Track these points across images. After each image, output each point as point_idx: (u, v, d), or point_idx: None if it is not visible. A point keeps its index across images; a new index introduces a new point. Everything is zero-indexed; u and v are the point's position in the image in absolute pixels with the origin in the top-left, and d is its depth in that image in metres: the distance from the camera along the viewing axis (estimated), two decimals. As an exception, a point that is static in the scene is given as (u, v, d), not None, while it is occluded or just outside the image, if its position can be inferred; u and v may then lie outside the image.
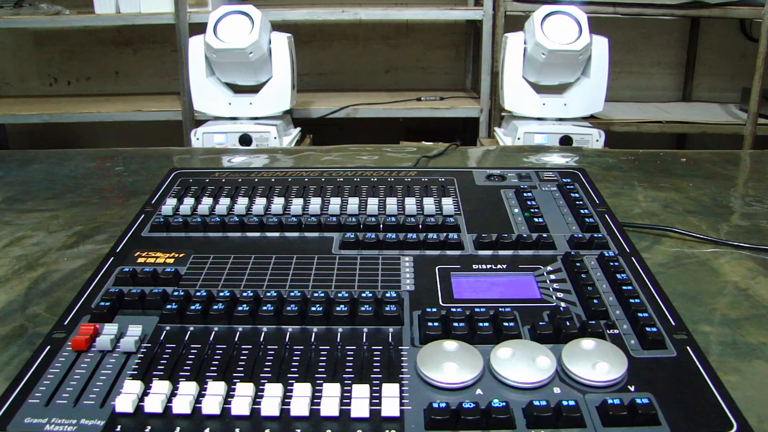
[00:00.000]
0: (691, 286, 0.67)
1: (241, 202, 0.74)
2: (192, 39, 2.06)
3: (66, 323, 0.53)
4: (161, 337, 0.51)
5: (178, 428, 0.42)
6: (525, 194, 0.75)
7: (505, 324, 0.51)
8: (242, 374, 0.47)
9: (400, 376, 0.47)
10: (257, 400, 0.44)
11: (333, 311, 0.53)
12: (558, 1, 2.07)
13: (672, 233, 0.79)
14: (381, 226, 0.68)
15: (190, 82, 2.09)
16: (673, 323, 0.53)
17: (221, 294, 0.55)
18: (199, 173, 0.83)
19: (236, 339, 0.51)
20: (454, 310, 0.53)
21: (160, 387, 0.45)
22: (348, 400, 0.44)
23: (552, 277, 0.59)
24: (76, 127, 2.90)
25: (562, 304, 0.55)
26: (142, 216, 0.72)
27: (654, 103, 2.83)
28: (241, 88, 2.13)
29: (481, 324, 0.51)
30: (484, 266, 0.61)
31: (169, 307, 0.53)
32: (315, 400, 0.44)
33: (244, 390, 0.44)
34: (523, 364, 0.47)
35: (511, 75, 2.08)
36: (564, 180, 0.80)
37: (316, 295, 0.55)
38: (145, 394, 0.45)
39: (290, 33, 2.12)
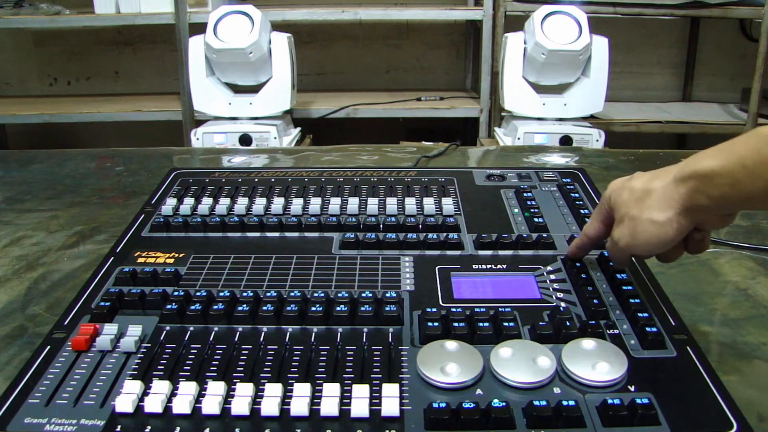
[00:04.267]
0: (691, 286, 0.67)
1: (241, 202, 0.74)
2: (192, 39, 2.06)
3: (66, 323, 0.53)
4: (161, 337, 0.51)
5: (178, 428, 0.42)
6: (525, 194, 0.75)
7: (505, 324, 0.51)
8: (242, 374, 0.47)
9: (400, 376, 0.47)
10: (257, 400, 0.44)
11: (333, 311, 0.53)
12: (558, 1, 2.07)
13: (672, 233, 0.78)
14: (381, 226, 0.68)
15: (190, 82, 2.09)
16: (673, 323, 0.53)
17: (221, 294, 0.55)
18: (199, 173, 0.83)
19: (236, 339, 0.51)
20: (454, 310, 0.53)
21: (160, 387, 0.45)
22: (348, 400, 0.44)
23: (552, 277, 0.59)
24: (76, 127, 2.89)
25: (562, 304, 0.55)
26: (142, 216, 0.72)
27: (654, 103, 2.83)
28: (242, 88, 2.13)
29: (481, 324, 0.51)
30: (484, 266, 0.61)
31: (169, 307, 0.53)
32: (315, 400, 0.44)
33: (244, 390, 0.44)
34: (523, 364, 0.46)
35: (511, 75, 2.08)
36: (564, 180, 0.80)
37: (316, 295, 0.55)
38: (145, 394, 0.45)
39: (290, 33, 2.12)
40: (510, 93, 2.09)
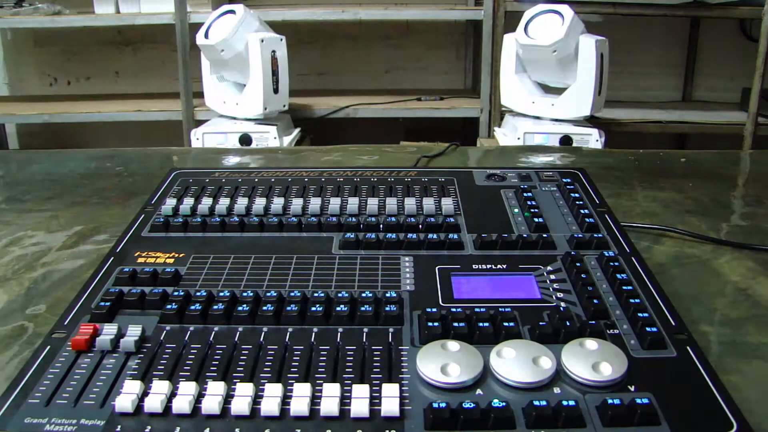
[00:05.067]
0: (691, 286, 0.67)
1: (241, 202, 0.74)
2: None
3: (66, 323, 0.53)
4: (161, 337, 0.51)
5: (178, 428, 0.42)
6: (525, 194, 0.75)
7: (505, 324, 0.51)
8: (242, 374, 0.47)
9: (400, 376, 0.47)
10: (257, 400, 0.44)
11: (333, 311, 0.53)
12: (557, 0, 2.07)
13: (672, 233, 0.79)
14: (381, 226, 0.68)
15: (202, 78, 2.11)
16: (673, 323, 0.53)
17: (221, 294, 0.55)
18: (199, 173, 0.83)
19: (236, 339, 0.51)
20: (454, 310, 0.53)
21: (160, 387, 0.45)
22: (348, 400, 0.44)
23: (552, 277, 0.59)
24: (76, 127, 2.89)
25: (562, 304, 0.55)
26: (142, 216, 0.72)
27: (654, 103, 2.83)
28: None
29: (481, 324, 0.51)
30: (484, 266, 0.61)
31: (169, 307, 0.53)
32: (315, 400, 0.44)
33: (244, 390, 0.44)
34: (523, 364, 0.47)
35: (506, 72, 2.14)
36: (564, 180, 0.80)
37: (316, 295, 0.55)
38: (145, 394, 0.45)
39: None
40: (505, 89, 2.16)
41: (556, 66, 1.99)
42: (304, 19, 2.58)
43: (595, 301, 0.54)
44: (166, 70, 2.89)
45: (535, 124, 2.07)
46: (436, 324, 0.51)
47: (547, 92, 2.13)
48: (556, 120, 2.08)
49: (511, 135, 2.11)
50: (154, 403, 0.43)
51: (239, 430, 0.42)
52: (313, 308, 0.53)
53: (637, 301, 0.54)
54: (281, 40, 2.08)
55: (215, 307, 0.53)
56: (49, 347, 0.50)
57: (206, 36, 2.00)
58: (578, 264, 0.60)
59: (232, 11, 2.02)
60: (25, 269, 0.71)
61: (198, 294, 0.55)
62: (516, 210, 0.73)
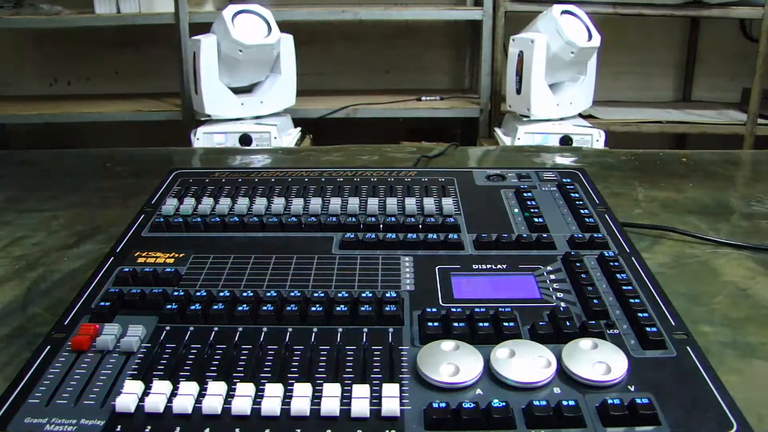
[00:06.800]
0: (691, 286, 0.67)
1: (242, 202, 0.74)
2: (204, 39, 2.01)
3: (66, 323, 0.53)
4: (161, 337, 0.51)
5: (178, 428, 0.42)
6: (525, 194, 0.75)
7: (505, 324, 0.51)
8: (242, 374, 0.47)
9: (400, 376, 0.47)
10: (257, 400, 0.44)
11: (333, 311, 0.53)
12: (559, 0, 2.07)
13: (672, 233, 0.79)
14: (381, 226, 0.68)
15: (201, 85, 2.04)
16: (673, 323, 0.53)
17: (221, 294, 0.55)
18: (199, 173, 0.83)
19: (236, 339, 0.51)
20: (454, 310, 0.53)
21: (160, 387, 0.45)
22: (348, 400, 0.44)
23: (552, 277, 0.59)
24: (76, 127, 2.89)
25: (562, 304, 0.55)
26: (142, 216, 0.72)
27: (654, 103, 2.83)
28: (238, 90, 2.12)
29: (481, 324, 0.51)
30: (484, 266, 0.61)
31: (169, 307, 0.53)
32: (315, 400, 0.44)
33: (244, 390, 0.44)
34: (523, 364, 0.47)
35: (537, 80, 2.01)
36: (564, 180, 0.80)
37: (316, 295, 0.55)
38: (145, 394, 0.45)
39: (290, 33, 2.12)
40: (536, 97, 2.02)
41: (580, 62, 2.04)
42: (304, 19, 2.58)
43: (594, 301, 0.54)
44: (166, 70, 2.88)
45: (535, 124, 2.07)
46: (436, 324, 0.51)
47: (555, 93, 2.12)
48: (561, 119, 2.09)
49: (511, 135, 2.11)
50: (154, 403, 0.43)
51: (239, 430, 0.42)
52: (313, 308, 0.53)
53: (636, 301, 0.54)
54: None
55: (215, 307, 0.53)
56: (49, 347, 0.50)
57: (246, 36, 1.97)
58: (578, 264, 0.60)
59: (251, 11, 2.02)
60: (25, 269, 0.71)
61: (198, 294, 0.55)
62: (516, 210, 0.73)
